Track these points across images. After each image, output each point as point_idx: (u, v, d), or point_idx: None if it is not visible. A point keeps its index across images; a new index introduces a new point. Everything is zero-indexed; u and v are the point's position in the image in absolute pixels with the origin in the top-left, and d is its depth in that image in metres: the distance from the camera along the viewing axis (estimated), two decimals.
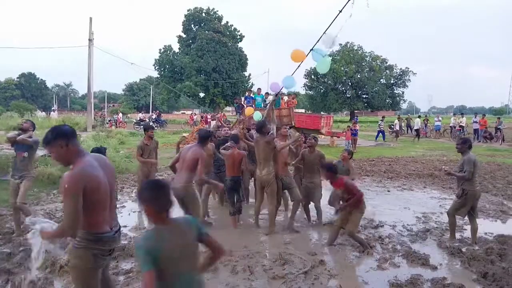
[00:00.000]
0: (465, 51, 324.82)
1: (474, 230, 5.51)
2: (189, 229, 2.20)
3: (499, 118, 24.71)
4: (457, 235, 5.75)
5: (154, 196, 2.12)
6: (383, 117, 25.16)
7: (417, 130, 24.07)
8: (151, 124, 20.15)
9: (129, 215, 6.95)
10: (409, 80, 58.12)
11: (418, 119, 25.80)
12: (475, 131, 23.28)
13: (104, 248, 2.70)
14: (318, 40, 6.30)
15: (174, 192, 5.17)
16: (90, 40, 25.49)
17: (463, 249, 5.14)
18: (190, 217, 2.64)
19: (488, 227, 6.24)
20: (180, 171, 5.10)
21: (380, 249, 5.20)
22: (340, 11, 5.53)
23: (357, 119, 25.77)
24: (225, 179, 6.20)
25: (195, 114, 41.24)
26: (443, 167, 7.32)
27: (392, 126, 25.75)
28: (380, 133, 23.42)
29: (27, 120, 6.01)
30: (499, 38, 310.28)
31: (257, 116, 9.05)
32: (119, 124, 33.09)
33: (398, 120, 25.81)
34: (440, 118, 27.29)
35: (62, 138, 2.57)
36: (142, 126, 26.74)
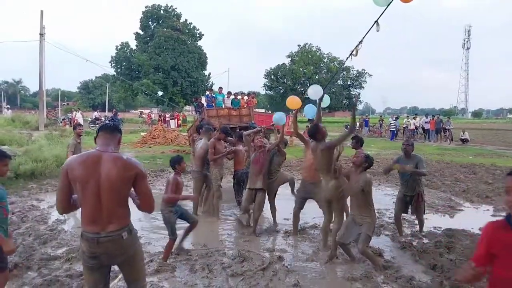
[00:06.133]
0: (418, 55, 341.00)
1: (422, 222, 5.94)
2: None
3: (448, 118, 26.13)
4: (408, 230, 6.03)
5: None
6: (397, 117, 25.99)
7: (411, 130, 24.93)
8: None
9: None
10: (365, 81, 60.32)
11: (413, 120, 25.68)
12: (426, 131, 24.56)
13: (84, 247, 2.55)
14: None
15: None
16: (41, 34, 24.29)
17: (414, 243, 5.38)
18: None
19: (437, 221, 6.58)
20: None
21: None
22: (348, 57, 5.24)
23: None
24: (236, 172, 6.52)
25: (153, 113, 40.37)
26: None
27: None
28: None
29: None
30: (450, 43, 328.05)
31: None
32: (74, 123, 31.72)
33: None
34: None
35: None
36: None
